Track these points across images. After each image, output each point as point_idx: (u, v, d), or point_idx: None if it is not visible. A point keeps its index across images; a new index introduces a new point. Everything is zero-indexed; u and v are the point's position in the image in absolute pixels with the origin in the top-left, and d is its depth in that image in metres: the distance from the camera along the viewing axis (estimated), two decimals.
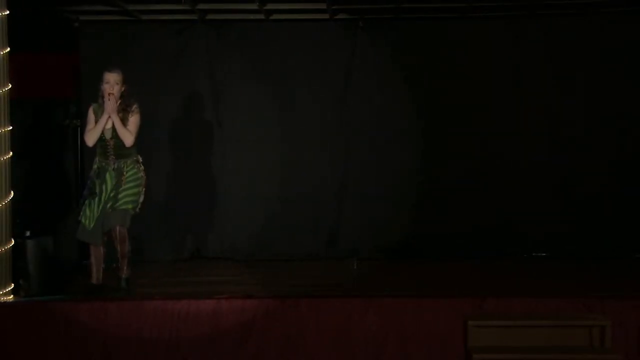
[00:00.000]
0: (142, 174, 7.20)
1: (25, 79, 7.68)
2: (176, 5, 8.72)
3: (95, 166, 7.14)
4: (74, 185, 9.09)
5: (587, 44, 9.18)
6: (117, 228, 7.05)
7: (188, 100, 9.26)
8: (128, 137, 7.07)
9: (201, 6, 8.86)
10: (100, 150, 7.12)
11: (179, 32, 9.33)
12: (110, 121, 7.04)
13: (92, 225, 7.04)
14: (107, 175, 7.06)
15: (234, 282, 7.74)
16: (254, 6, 8.72)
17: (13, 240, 6.91)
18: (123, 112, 7.09)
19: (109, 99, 6.99)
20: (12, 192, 6.89)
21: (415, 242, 9.22)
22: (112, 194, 7.04)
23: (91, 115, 7.16)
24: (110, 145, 7.08)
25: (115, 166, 7.09)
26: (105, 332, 6.57)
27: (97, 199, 7.03)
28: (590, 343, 6.33)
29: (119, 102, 7.08)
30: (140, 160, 7.27)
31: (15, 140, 6.98)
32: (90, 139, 7.11)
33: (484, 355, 6.23)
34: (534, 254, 9.18)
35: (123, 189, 7.06)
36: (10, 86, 6.85)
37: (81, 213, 7.10)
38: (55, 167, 9.18)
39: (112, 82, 7.05)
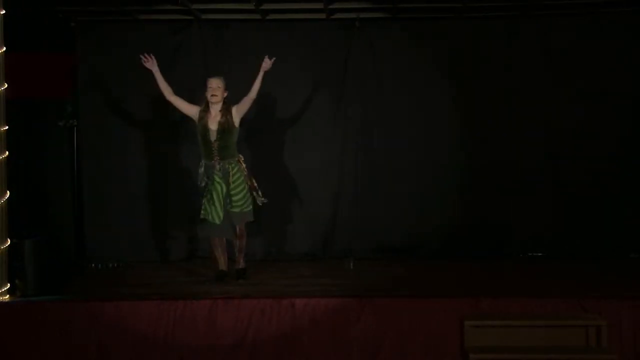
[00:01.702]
0: (245, 172, 7.63)
1: (22, 78, 7.67)
2: (173, 6, 8.72)
3: (201, 169, 7.60)
4: (71, 185, 9.08)
5: (587, 44, 9.18)
6: (237, 228, 7.63)
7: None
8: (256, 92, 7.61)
9: (197, 6, 8.86)
10: (206, 153, 7.57)
11: (176, 32, 9.33)
12: (216, 124, 7.49)
13: (222, 222, 7.49)
14: (215, 177, 7.49)
15: (230, 281, 7.73)
16: (251, 6, 8.72)
17: (9, 240, 6.90)
18: (226, 116, 7.52)
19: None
20: (8, 192, 6.88)
21: (413, 242, 9.23)
22: (227, 194, 7.49)
23: (194, 106, 7.68)
24: (214, 147, 7.52)
25: (220, 166, 7.50)
26: (102, 332, 6.57)
27: (213, 198, 7.47)
28: (587, 343, 6.34)
29: (221, 107, 7.55)
30: (242, 158, 7.70)
31: (12, 140, 6.98)
32: (165, 92, 7.76)
33: (480, 355, 6.23)
34: (530, 254, 9.18)
35: (234, 194, 7.53)
36: (6, 86, 6.85)
37: (207, 215, 7.53)
38: (51, 167, 9.17)
39: (214, 86, 7.53)
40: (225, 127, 7.52)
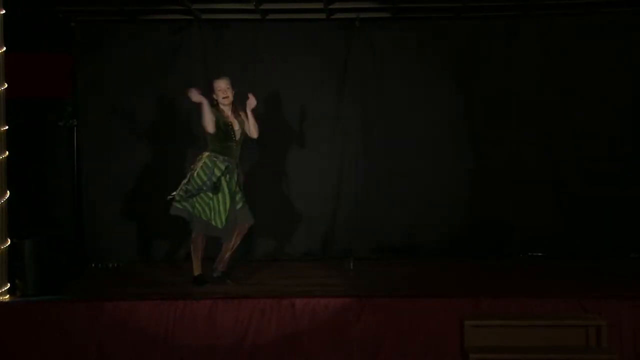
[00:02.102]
0: None
1: (22, 78, 7.67)
2: (173, 6, 8.72)
3: (223, 165, 7.39)
4: (71, 185, 9.07)
5: (587, 44, 9.18)
6: (246, 225, 7.53)
7: (184, 100, 9.23)
8: (257, 132, 7.56)
9: (197, 6, 8.86)
10: (226, 150, 7.45)
11: (175, 32, 9.33)
12: (237, 124, 7.46)
13: (225, 223, 7.35)
14: (234, 176, 7.44)
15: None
16: (251, 6, 8.72)
17: (9, 240, 6.90)
18: (242, 116, 7.50)
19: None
20: (8, 191, 6.88)
21: (413, 242, 9.23)
22: (234, 192, 7.42)
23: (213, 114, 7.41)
24: (236, 146, 7.49)
25: (237, 167, 7.48)
26: (102, 332, 6.56)
27: (222, 196, 7.36)
28: (587, 343, 6.33)
29: (232, 107, 7.50)
30: None
31: (12, 140, 6.98)
32: (210, 125, 7.37)
33: (480, 355, 6.22)
34: (530, 254, 9.19)
35: (239, 189, 7.49)
36: (6, 85, 6.84)
37: (200, 209, 7.39)
38: (51, 167, 9.17)
39: (223, 88, 7.46)
40: (244, 126, 7.52)
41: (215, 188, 7.34)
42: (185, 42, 9.30)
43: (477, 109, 9.24)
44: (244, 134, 7.53)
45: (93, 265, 8.83)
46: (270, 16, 9.20)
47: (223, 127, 7.43)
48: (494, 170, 9.23)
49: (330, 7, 8.91)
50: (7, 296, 6.85)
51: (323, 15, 9.19)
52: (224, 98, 7.47)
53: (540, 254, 9.18)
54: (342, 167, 9.35)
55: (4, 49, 6.87)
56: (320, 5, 8.82)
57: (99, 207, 9.17)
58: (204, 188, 7.36)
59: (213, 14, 9.16)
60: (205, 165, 7.42)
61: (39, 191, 9.06)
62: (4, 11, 6.90)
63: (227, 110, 7.51)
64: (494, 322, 6.42)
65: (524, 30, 9.24)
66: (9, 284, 6.89)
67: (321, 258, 9.20)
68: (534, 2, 8.81)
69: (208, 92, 9.27)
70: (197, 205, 7.43)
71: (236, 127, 7.50)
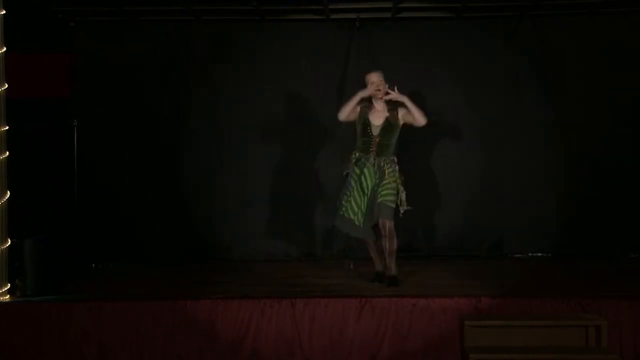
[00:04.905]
0: (398, 172, 7.40)
1: (22, 78, 7.67)
2: (172, 6, 8.72)
3: (353, 161, 7.39)
4: (71, 185, 9.07)
5: (587, 44, 9.18)
6: (386, 223, 7.30)
7: (183, 101, 9.25)
8: (423, 117, 7.40)
9: (198, 6, 8.85)
10: (363, 147, 7.40)
11: (175, 32, 9.32)
12: (382, 119, 7.37)
13: (362, 222, 7.33)
14: (366, 171, 7.32)
15: (230, 282, 7.73)
16: (251, 6, 8.71)
17: (9, 240, 6.90)
18: (393, 112, 7.39)
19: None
20: (8, 192, 6.88)
21: (414, 242, 9.22)
22: (374, 189, 7.30)
23: (357, 107, 7.38)
24: (375, 142, 7.35)
25: (375, 162, 7.32)
26: (102, 332, 6.56)
27: (360, 194, 7.31)
28: (587, 343, 6.33)
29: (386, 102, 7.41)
30: (396, 160, 7.45)
31: (12, 140, 6.98)
32: (343, 114, 7.41)
33: (480, 356, 6.22)
34: (530, 254, 9.19)
35: (383, 185, 7.30)
36: (6, 86, 6.85)
37: (344, 208, 7.35)
38: (51, 167, 9.17)
39: (377, 81, 7.33)
40: (391, 122, 7.37)
41: (358, 185, 7.34)
42: (184, 43, 9.30)
43: (475, 109, 9.24)
44: (389, 131, 7.37)
45: (93, 265, 8.83)
46: (270, 16, 9.20)
47: (362, 122, 7.39)
48: (494, 170, 9.23)
49: (330, 7, 8.91)
50: (7, 296, 6.85)
51: (323, 16, 9.18)
52: (377, 91, 7.34)
53: (540, 254, 9.19)
54: (341, 167, 9.31)
55: (4, 49, 6.87)
56: (320, 6, 8.82)
57: (98, 207, 9.16)
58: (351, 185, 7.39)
59: (213, 14, 9.15)
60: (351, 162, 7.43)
61: (39, 191, 9.06)
62: (4, 11, 6.91)
63: (380, 104, 7.41)
64: (494, 322, 6.42)
65: (524, 30, 9.24)
66: (9, 284, 6.90)
67: (321, 258, 9.20)
68: (534, 2, 8.81)
69: (206, 92, 9.29)
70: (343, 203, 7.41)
71: (377, 122, 7.38)
